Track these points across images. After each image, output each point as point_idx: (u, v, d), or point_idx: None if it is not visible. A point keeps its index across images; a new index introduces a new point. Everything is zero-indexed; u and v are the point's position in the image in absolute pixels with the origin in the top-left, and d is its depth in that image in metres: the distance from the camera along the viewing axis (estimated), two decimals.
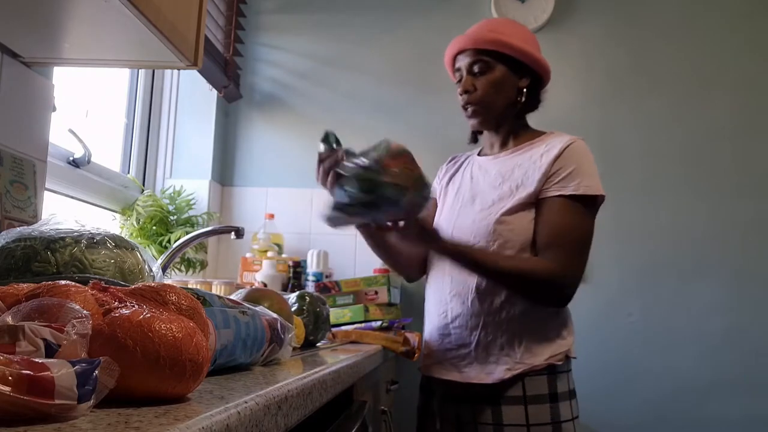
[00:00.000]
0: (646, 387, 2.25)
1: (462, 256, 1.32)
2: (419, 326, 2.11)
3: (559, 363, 1.33)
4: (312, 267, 2.23)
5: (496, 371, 1.32)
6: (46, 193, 1.41)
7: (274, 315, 0.86)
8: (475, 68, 1.40)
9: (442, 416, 1.43)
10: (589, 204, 1.33)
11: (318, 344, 1.37)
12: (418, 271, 1.57)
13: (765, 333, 2.24)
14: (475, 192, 1.45)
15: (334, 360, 0.99)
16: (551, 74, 1.45)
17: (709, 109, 2.37)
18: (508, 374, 1.31)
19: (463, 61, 1.42)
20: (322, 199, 2.45)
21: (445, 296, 1.42)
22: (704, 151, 2.35)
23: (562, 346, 1.34)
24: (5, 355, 0.38)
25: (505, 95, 1.41)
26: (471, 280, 1.36)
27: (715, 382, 2.22)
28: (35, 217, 1.33)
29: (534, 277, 1.29)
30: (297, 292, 1.34)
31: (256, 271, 2.19)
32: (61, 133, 1.67)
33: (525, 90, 1.41)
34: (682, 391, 2.23)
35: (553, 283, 1.29)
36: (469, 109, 1.43)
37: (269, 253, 2.22)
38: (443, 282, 1.43)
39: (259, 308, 0.84)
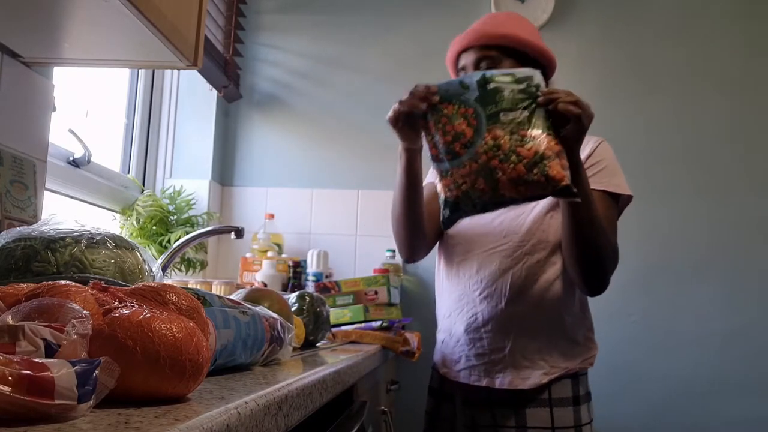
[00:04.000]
0: (646, 388, 2.25)
1: (584, 182, 1.18)
2: (419, 326, 2.11)
3: (591, 366, 1.34)
4: (312, 267, 2.23)
5: (533, 376, 1.29)
6: (46, 193, 1.41)
7: (274, 315, 0.86)
8: (482, 65, 1.31)
9: (456, 421, 1.40)
10: (621, 204, 1.35)
11: (318, 344, 1.36)
12: (425, 246, 1.43)
13: (766, 333, 2.24)
14: None
15: (334, 360, 0.99)
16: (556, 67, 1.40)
17: (709, 109, 2.37)
18: (545, 379, 1.29)
19: (468, 59, 1.34)
20: (322, 198, 2.46)
21: (474, 299, 1.35)
22: (704, 151, 2.35)
23: (592, 349, 1.36)
24: (5, 355, 0.38)
25: None
26: (504, 284, 1.31)
27: (716, 384, 2.22)
28: (35, 217, 1.33)
29: (611, 241, 1.26)
30: (297, 292, 1.34)
31: (256, 271, 2.19)
32: (61, 133, 1.67)
33: None
34: (683, 393, 2.23)
35: (615, 257, 1.28)
36: None
37: (269, 253, 2.22)
38: (471, 284, 1.36)
39: (259, 308, 0.84)
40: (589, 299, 1.40)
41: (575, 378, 1.32)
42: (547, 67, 1.36)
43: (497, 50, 1.31)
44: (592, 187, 1.25)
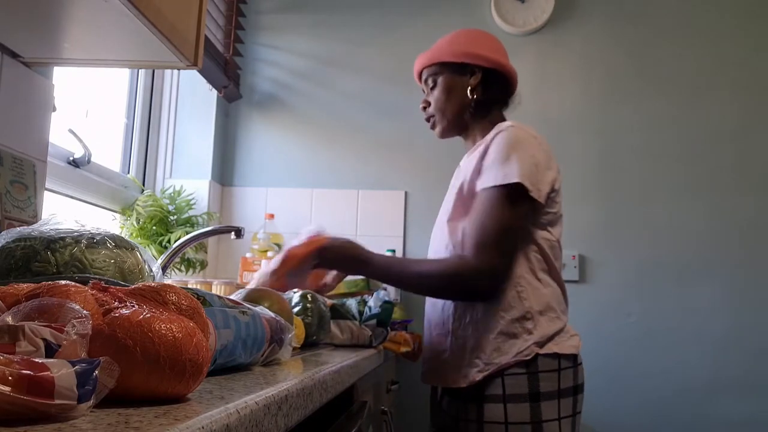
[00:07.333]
0: (646, 387, 2.25)
1: (380, 273, 1.41)
2: (420, 327, 2.11)
3: (527, 358, 1.30)
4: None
5: (469, 374, 1.34)
6: (46, 193, 1.41)
7: (274, 315, 0.86)
8: (430, 82, 1.51)
9: (446, 412, 1.46)
10: (516, 193, 1.29)
11: (319, 344, 1.36)
12: None
13: (765, 333, 2.24)
14: (447, 197, 1.50)
15: (334, 360, 0.99)
16: (514, 70, 1.48)
17: (710, 109, 2.37)
18: (479, 376, 1.32)
19: (423, 77, 1.54)
20: (322, 198, 2.47)
21: (428, 307, 1.50)
22: (704, 151, 2.35)
23: (528, 341, 1.31)
24: (5, 355, 0.38)
25: (456, 99, 1.46)
26: None
27: (715, 383, 2.22)
28: (35, 217, 1.33)
29: (443, 274, 1.32)
30: (300, 292, 1.33)
31: (256, 271, 2.19)
32: (61, 133, 1.67)
33: (477, 86, 1.45)
34: (683, 392, 2.23)
35: (462, 276, 1.30)
36: (430, 122, 1.53)
37: (269, 253, 2.22)
38: None
39: (259, 308, 0.84)
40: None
41: (534, 374, 1.31)
42: (491, 68, 1.46)
43: (433, 68, 1.51)
44: (478, 190, 1.34)
